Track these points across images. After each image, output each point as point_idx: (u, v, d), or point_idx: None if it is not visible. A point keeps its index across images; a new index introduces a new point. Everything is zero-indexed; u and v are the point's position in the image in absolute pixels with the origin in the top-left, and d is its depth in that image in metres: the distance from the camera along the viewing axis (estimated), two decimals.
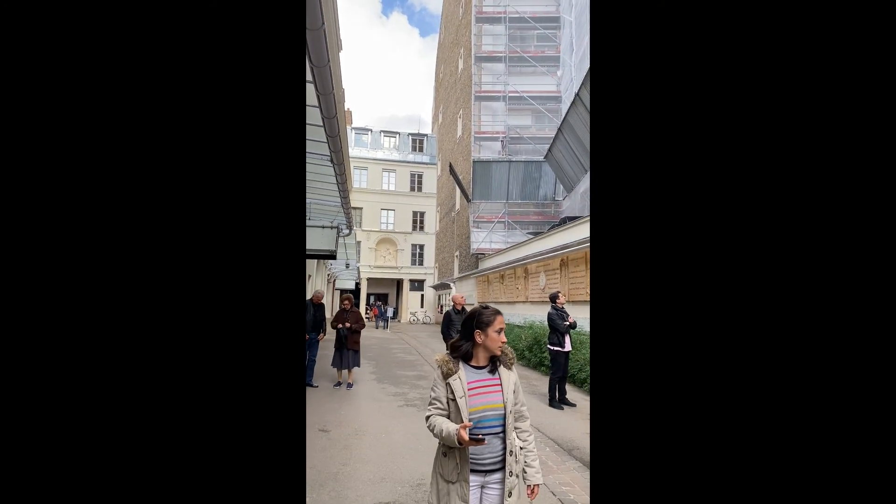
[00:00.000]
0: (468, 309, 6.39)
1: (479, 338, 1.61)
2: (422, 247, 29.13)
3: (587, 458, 3.77)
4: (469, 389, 1.57)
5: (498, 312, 1.66)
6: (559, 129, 13.98)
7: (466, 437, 1.44)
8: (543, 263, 10.79)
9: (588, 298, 8.41)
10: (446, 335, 5.78)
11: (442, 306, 23.91)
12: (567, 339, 5.73)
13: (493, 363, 1.65)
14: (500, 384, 1.61)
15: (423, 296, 28.65)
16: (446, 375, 1.59)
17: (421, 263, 29.06)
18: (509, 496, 1.58)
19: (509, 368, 1.67)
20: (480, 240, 17.83)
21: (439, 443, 1.60)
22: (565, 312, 5.80)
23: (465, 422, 1.50)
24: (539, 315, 10.54)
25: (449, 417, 1.57)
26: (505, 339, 1.64)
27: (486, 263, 16.84)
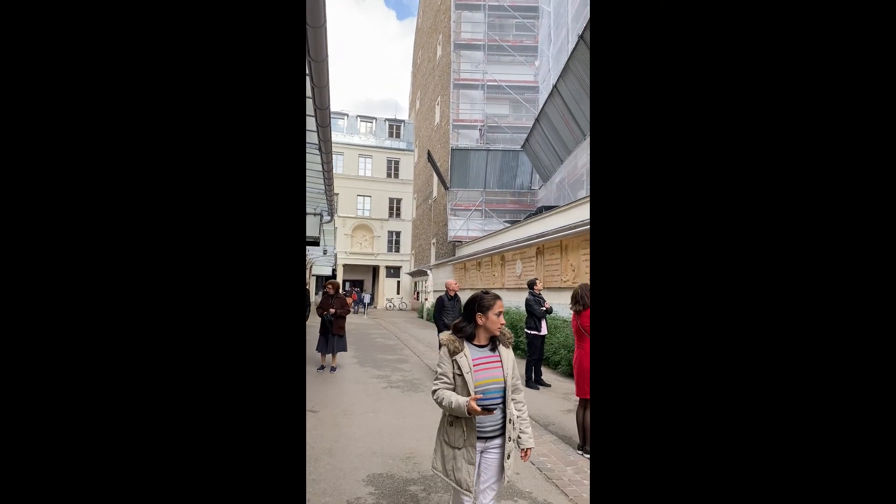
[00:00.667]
0: (460, 295, 6.53)
1: (480, 320, 1.81)
2: (398, 233, 29.12)
3: (561, 432, 4.07)
4: (474, 365, 1.77)
5: (497, 297, 1.86)
6: (536, 120, 14.22)
7: (478, 407, 1.65)
8: (520, 251, 11.10)
9: (562, 285, 8.75)
10: (438, 320, 5.96)
11: (419, 293, 24.09)
12: (543, 323, 6.04)
13: (494, 342, 1.86)
14: (500, 361, 1.83)
15: (399, 283, 28.73)
16: (453, 353, 1.78)
17: (397, 250, 29.09)
18: (508, 458, 1.81)
19: (507, 347, 1.89)
20: (458, 227, 18.04)
21: (444, 413, 1.82)
22: (542, 298, 6.10)
23: (473, 394, 1.71)
24: (515, 301, 10.87)
25: (454, 391, 1.76)
26: (504, 321, 1.86)
27: (464, 251, 17.09)
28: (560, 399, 5.31)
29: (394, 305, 27.41)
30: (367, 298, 24.05)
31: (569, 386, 5.87)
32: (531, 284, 6.12)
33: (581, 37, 10.15)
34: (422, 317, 18.55)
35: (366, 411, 4.63)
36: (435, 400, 1.78)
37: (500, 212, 17.99)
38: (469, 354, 1.79)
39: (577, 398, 3.64)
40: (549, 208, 11.56)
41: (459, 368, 1.75)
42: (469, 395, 1.71)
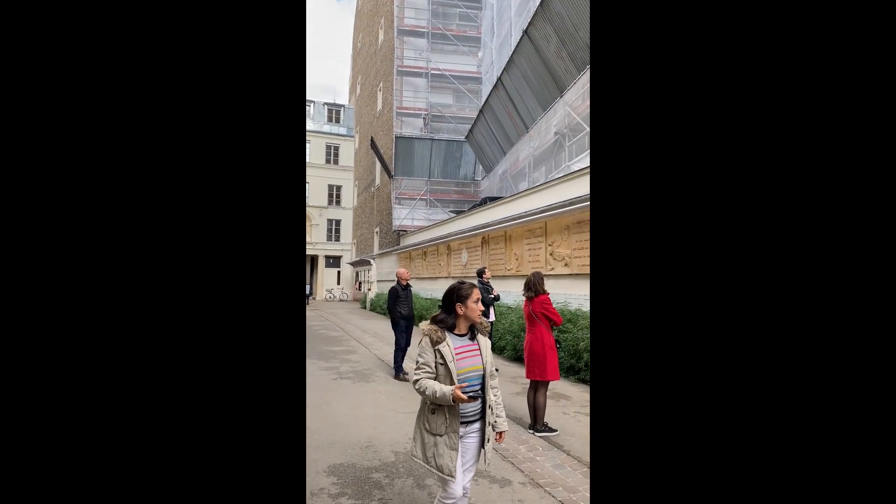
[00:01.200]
0: (412, 284, 6.49)
1: (460, 310, 1.88)
2: (338, 222, 28.39)
3: (513, 414, 4.27)
4: (456, 354, 1.83)
5: (473, 286, 1.93)
6: (480, 112, 14.43)
7: (464, 396, 1.71)
8: (466, 241, 11.31)
9: (507, 273, 9.06)
10: (393, 310, 5.93)
11: (361, 283, 23.72)
12: (491, 310, 6.24)
13: (472, 331, 1.93)
14: (479, 349, 1.91)
15: (339, 273, 28.10)
16: (436, 343, 1.83)
17: (337, 239, 28.38)
18: (488, 441, 1.89)
19: (484, 335, 1.97)
20: (402, 216, 17.95)
21: (423, 402, 1.87)
22: (491, 286, 6.29)
23: (455, 382, 1.77)
24: None
25: (436, 380, 1.81)
26: (482, 308, 1.93)
27: (409, 240, 17.06)
28: (508, 382, 5.54)
29: (334, 296, 26.80)
30: (306, 289, 23.31)
31: (515, 370, 6.12)
32: (480, 273, 6.28)
33: (525, 32, 10.41)
34: (365, 307, 18.32)
35: (319, 403, 4.55)
36: (417, 390, 1.82)
37: (444, 201, 18.12)
38: (451, 344, 1.85)
39: (528, 380, 3.84)
40: (493, 199, 11.84)
41: (443, 358, 1.81)
42: (452, 383, 1.77)
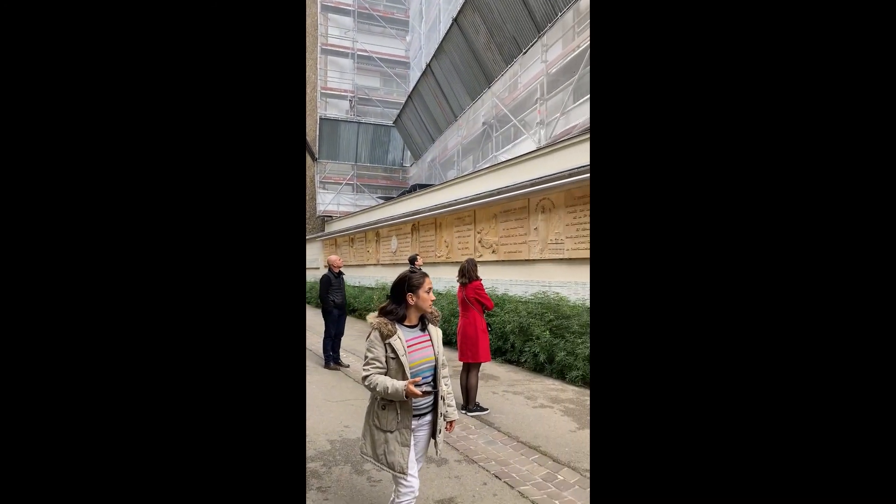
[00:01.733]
0: (344, 272, 6.33)
1: (411, 300, 1.78)
2: None
3: None
4: (408, 347, 1.75)
5: (426, 275, 1.83)
6: (409, 97, 14.30)
7: (418, 391, 1.64)
8: (396, 227, 11.25)
9: (437, 260, 9.20)
10: (325, 299, 5.75)
11: None
12: None
13: (423, 321, 1.85)
14: (431, 340, 1.84)
15: None
16: (386, 336, 1.73)
17: None
18: (439, 432, 1.85)
19: (435, 325, 1.89)
20: (328, 201, 17.37)
21: (373, 398, 1.79)
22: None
23: (407, 376, 1.70)
24: (390, 276, 11.05)
25: (387, 374, 1.73)
26: (434, 298, 1.84)
27: (335, 226, 16.57)
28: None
29: None
30: None
31: (447, 354, 6.28)
32: (412, 260, 6.32)
33: (455, 20, 10.46)
34: None
35: None
36: (367, 386, 1.73)
37: (372, 187, 17.81)
38: (402, 336, 1.77)
39: (460, 363, 3.98)
40: (422, 186, 11.88)
41: (394, 352, 1.73)
42: (404, 377, 1.71)
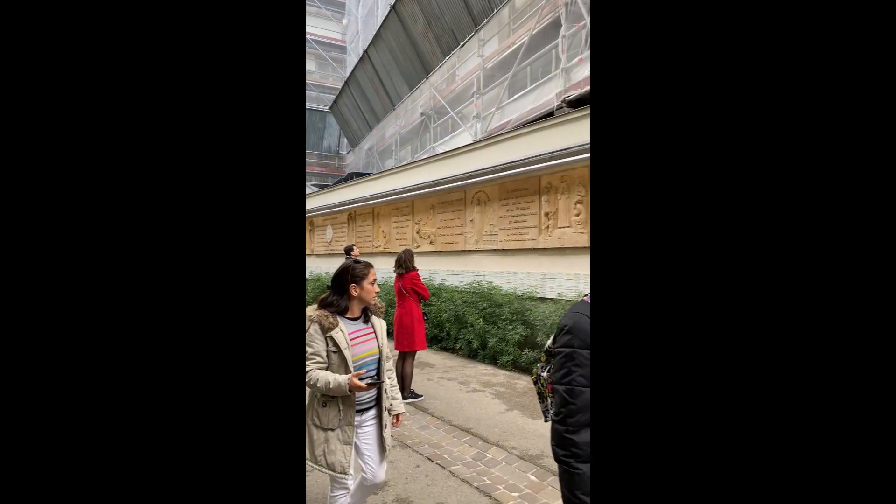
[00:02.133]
0: None
1: (354, 291, 1.73)
2: None
3: None
4: (350, 340, 1.69)
5: (370, 265, 1.78)
6: (346, 83, 13.93)
7: (363, 384, 1.59)
8: (331, 216, 10.99)
9: (374, 250, 9.14)
10: None
11: None
12: None
13: (365, 313, 1.80)
14: (374, 332, 1.79)
15: None
16: (327, 329, 1.66)
17: None
18: (386, 427, 1.80)
19: (379, 317, 1.84)
20: None
21: (313, 395, 1.69)
22: None
23: (351, 370, 1.64)
24: (325, 267, 10.82)
25: (328, 369, 1.66)
26: (378, 289, 1.79)
27: None
28: None
29: None
30: None
31: None
32: (348, 250, 6.25)
33: (393, 7, 10.32)
34: None
35: None
36: (308, 382, 1.63)
37: (306, 174, 17.18)
38: (345, 329, 1.70)
39: (396, 352, 4.05)
40: (359, 175, 11.68)
41: (336, 345, 1.67)
42: (347, 371, 1.65)
